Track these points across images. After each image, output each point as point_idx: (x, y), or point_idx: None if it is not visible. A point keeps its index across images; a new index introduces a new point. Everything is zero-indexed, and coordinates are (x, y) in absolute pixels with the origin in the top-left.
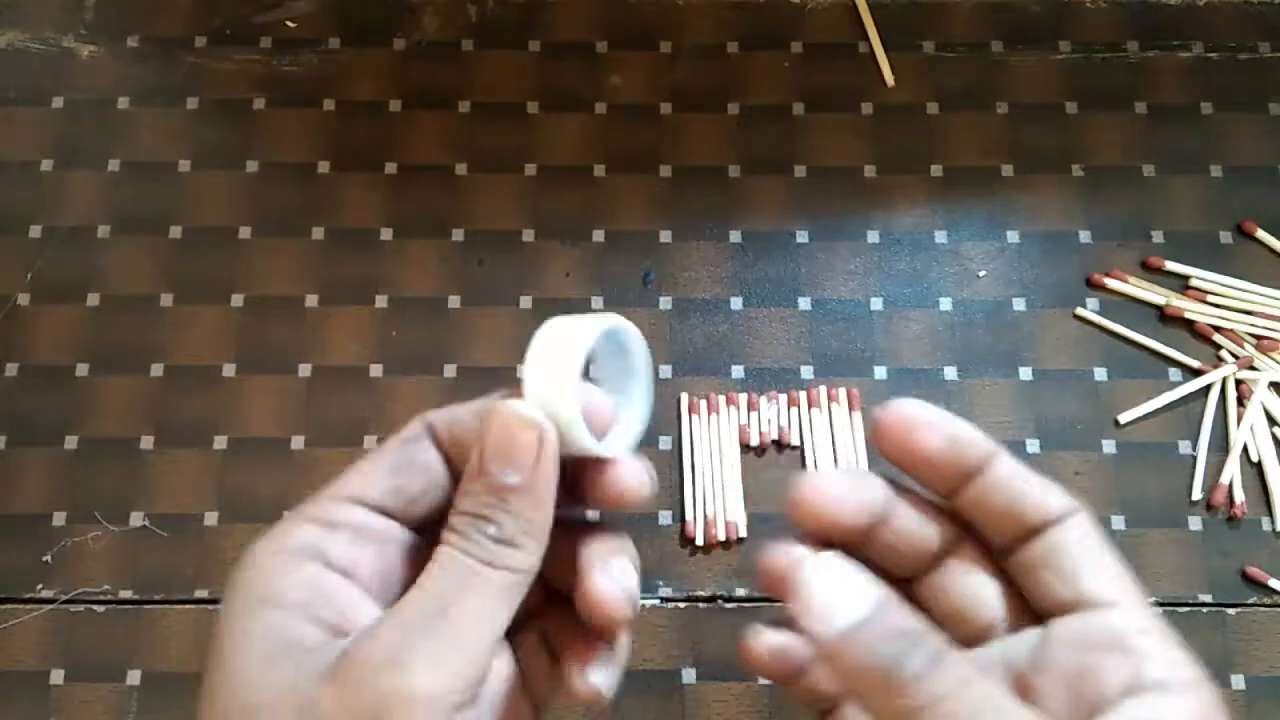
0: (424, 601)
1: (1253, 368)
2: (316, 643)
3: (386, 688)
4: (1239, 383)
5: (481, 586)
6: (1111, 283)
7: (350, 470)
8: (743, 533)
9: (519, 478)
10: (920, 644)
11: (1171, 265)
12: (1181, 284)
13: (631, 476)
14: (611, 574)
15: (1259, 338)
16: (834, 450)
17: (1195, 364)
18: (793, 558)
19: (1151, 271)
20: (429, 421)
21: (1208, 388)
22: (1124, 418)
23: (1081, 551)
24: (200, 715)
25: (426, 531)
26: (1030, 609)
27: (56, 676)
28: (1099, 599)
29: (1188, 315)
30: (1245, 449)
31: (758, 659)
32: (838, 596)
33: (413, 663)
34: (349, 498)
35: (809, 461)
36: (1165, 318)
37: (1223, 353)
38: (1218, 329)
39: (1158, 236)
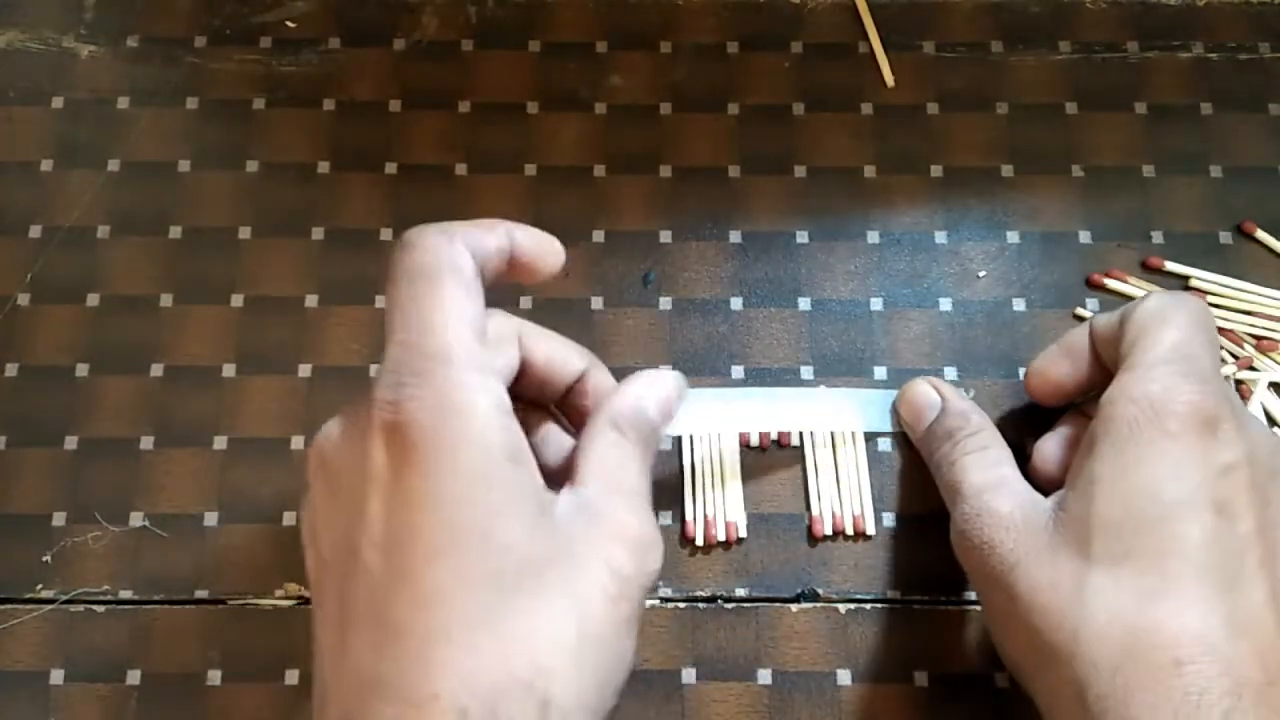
0: None
1: (1252, 368)
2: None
3: None
4: (1239, 383)
5: None
6: (1111, 283)
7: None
8: (743, 533)
9: None
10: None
11: (1171, 265)
12: (1181, 284)
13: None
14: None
15: (1258, 338)
16: (834, 450)
17: None
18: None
19: (1151, 272)
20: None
21: None
22: None
23: None
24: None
25: None
26: None
27: (56, 676)
28: None
29: None
30: None
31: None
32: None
33: None
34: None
35: (809, 461)
36: None
37: (1222, 353)
38: (1219, 330)
39: (1157, 237)
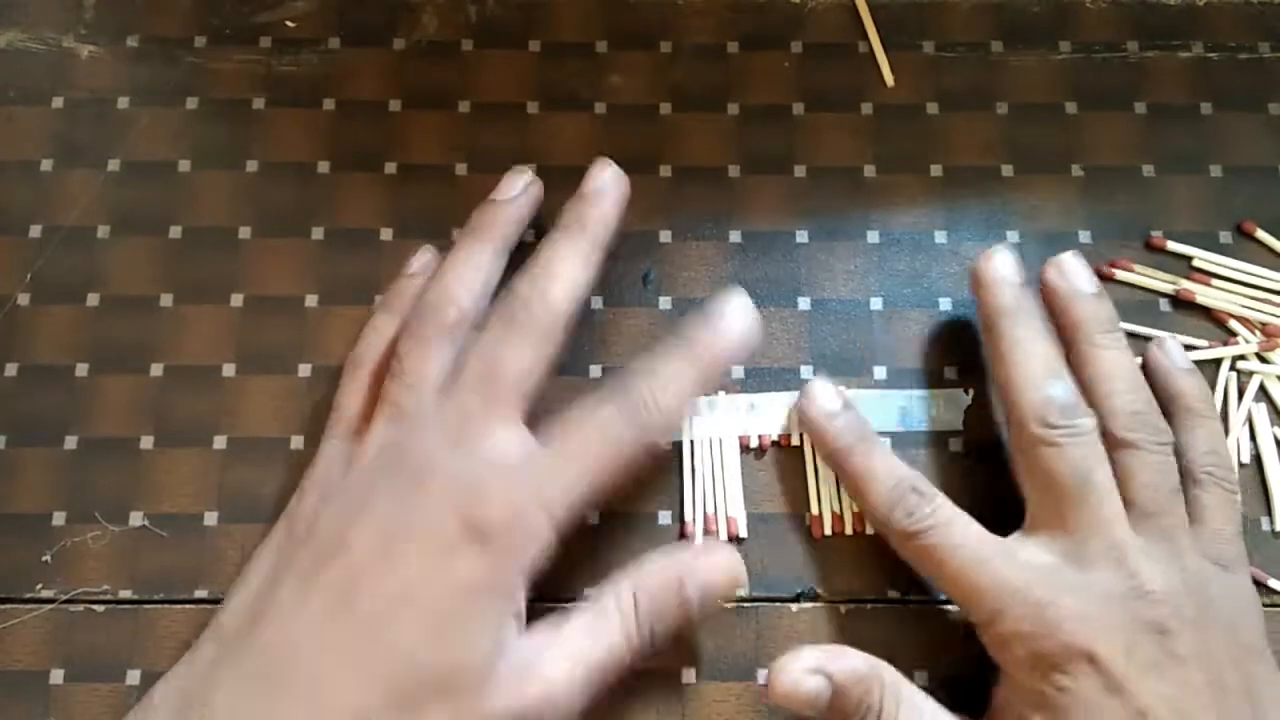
0: None
1: (1261, 357)
2: None
3: None
4: (1240, 375)
5: None
6: (1120, 274)
7: None
8: (743, 533)
9: None
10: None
11: (1174, 245)
12: (1185, 264)
13: None
14: None
15: (1265, 324)
16: None
17: (1203, 343)
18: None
19: (1154, 252)
20: None
21: (1215, 372)
22: None
23: None
24: None
25: None
26: None
27: (56, 676)
28: None
29: (1200, 300)
30: (1239, 445)
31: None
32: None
33: None
34: None
35: (809, 461)
36: (1178, 304)
37: (1237, 337)
38: (1232, 316)
39: (1157, 236)
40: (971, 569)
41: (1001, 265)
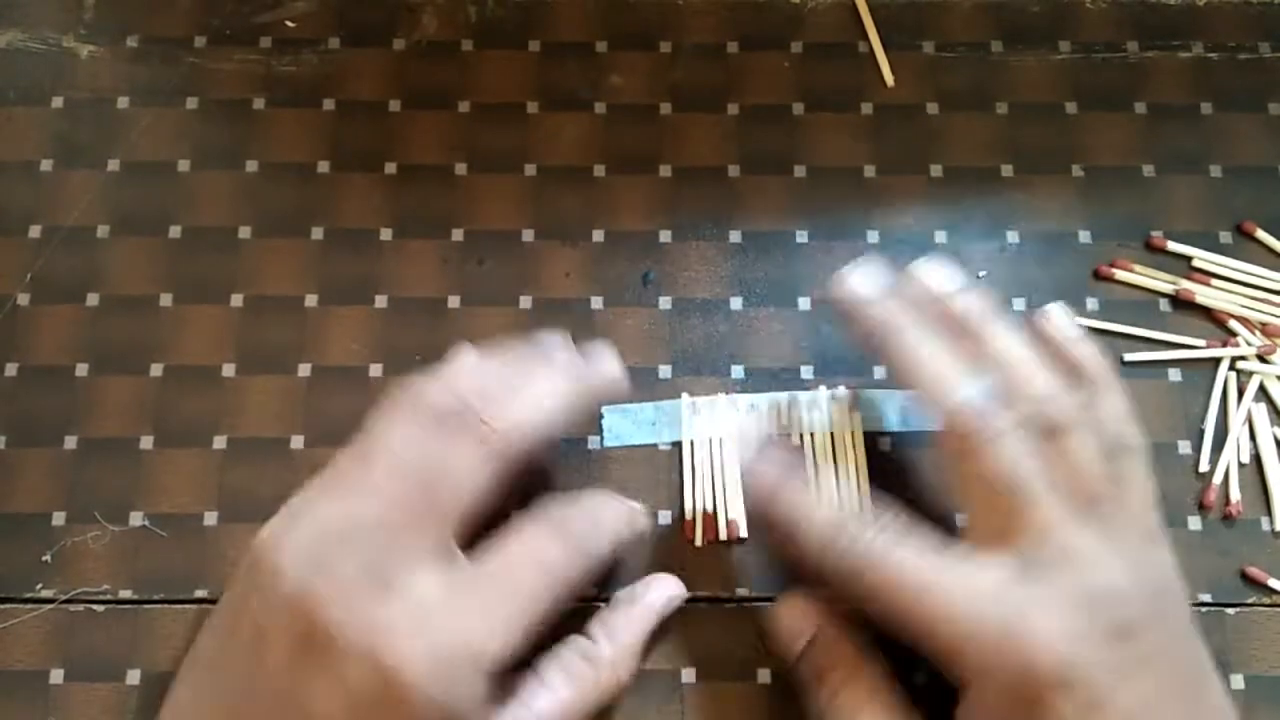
0: None
1: (1261, 359)
2: None
3: None
4: (1240, 375)
5: None
6: (1120, 274)
7: None
8: (743, 533)
9: None
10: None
11: (1174, 246)
12: (1185, 265)
13: None
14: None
15: (1265, 325)
16: (834, 450)
17: (1202, 342)
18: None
19: (1155, 251)
20: None
21: (1214, 372)
22: (1129, 357)
23: None
24: None
25: None
26: None
27: (56, 676)
28: None
29: (1200, 300)
30: (1239, 445)
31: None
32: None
33: None
34: None
35: (809, 461)
36: (1178, 304)
37: (1237, 337)
38: (1234, 315)
39: (1157, 236)
40: (920, 596)
41: (860, 285)
